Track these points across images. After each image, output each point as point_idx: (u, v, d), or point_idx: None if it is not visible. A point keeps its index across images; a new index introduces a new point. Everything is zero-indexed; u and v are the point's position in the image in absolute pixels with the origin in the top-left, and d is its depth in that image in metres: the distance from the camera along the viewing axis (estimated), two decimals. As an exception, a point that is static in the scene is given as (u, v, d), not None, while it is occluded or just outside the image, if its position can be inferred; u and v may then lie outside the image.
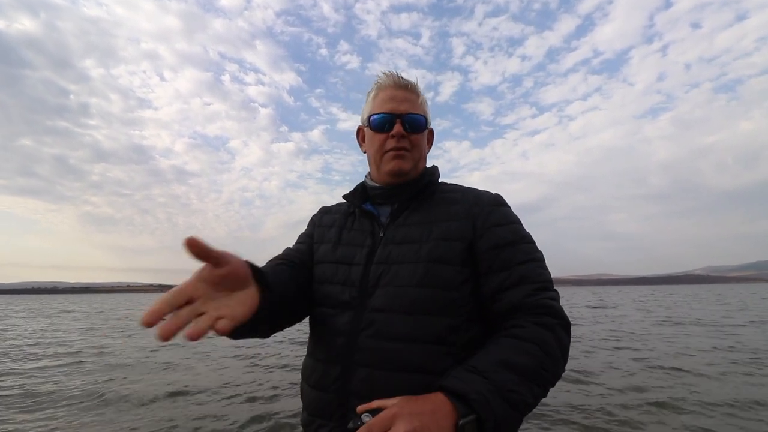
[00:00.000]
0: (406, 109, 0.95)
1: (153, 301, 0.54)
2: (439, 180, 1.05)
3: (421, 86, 1.01)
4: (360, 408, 0.67)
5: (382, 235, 0.93)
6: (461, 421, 0.59)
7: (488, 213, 0.91)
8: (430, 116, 1.03)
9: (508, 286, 0.81)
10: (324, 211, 1.11)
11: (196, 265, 0.57)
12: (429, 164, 1.06)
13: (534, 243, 0.90)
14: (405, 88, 0.98)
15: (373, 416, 0.62)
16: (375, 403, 0.66)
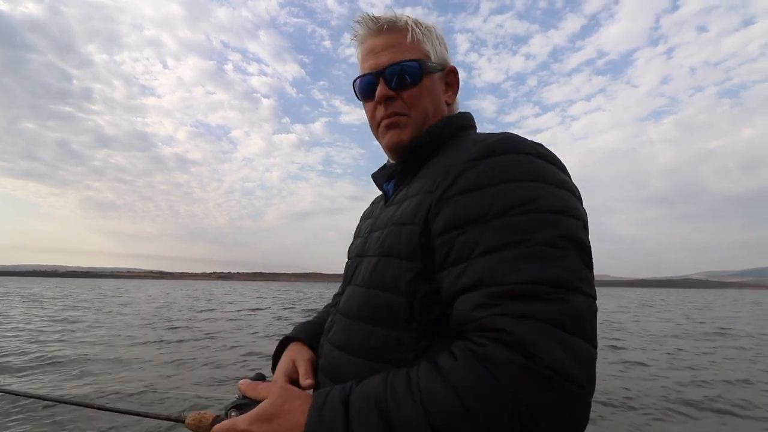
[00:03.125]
0: (388, 60, 0.71)
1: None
2: (469, 130, 0.75)
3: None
4: (243, 387, 0.61)
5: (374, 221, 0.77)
6: None
7: (456, 176, 0.58)
8: (439, 50, 0.75)
9: (460, 289, 0.52)
10: (373, 201, 0.96)
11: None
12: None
13: (541, 212, 0.51)
14: (382, 32, 0.73)
15: (241, 411, 0.58)
16: (255, 393, 0.59)
